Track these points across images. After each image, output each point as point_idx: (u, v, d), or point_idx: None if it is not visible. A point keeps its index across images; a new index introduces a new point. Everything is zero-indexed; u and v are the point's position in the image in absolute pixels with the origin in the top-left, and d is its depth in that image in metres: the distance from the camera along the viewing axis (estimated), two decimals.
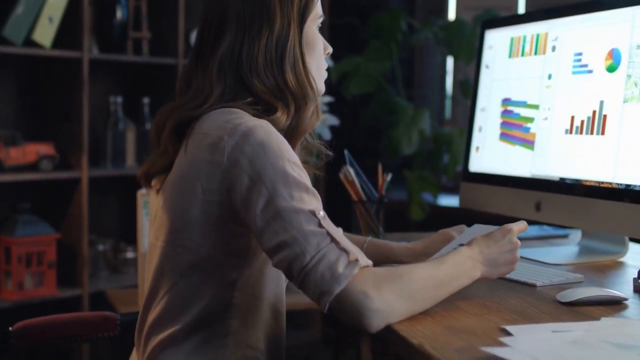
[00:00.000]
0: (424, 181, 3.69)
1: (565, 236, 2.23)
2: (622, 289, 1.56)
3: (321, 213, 1.29)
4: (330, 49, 1.54)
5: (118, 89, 3.55)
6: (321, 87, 1.52)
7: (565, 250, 1.97)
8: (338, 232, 1.30)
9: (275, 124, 1.38)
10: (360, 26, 4.18)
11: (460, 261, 1.37)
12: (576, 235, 2.15)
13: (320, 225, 1.27)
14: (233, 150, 1.32)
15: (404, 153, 3.60)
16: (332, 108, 3.95)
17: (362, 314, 1.24)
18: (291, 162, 1.31)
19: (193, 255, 1.38)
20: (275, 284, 1.47)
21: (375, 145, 4.13)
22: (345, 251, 1.27)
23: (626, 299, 1.43)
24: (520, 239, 2.15)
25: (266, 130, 1.33)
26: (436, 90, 4.13)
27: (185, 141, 1.39)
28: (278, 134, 1.35)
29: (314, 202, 1.30)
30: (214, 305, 1.39)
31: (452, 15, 4.12)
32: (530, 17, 2.04)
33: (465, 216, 2.46)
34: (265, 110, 1.41)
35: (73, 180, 3.17)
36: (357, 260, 1.27)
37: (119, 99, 3.38)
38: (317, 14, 1.48)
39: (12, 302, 3.01)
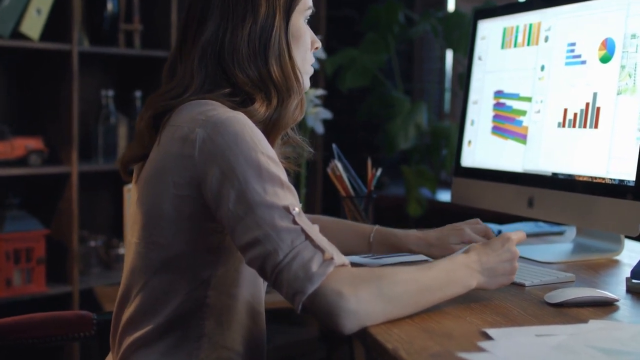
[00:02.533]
0: (422, 176, 3.62)
1: (560, 233, 2.17)
2: (615, 289, 1.50)
3: (296, 209, 1.24)
4: (318, 44, 1.48)
5: (110, 82, 3.49)
6: (306, 83, 1.46)
7: (558, 248, 1.90)
8: (314, 229, 1.25)
9: (251, 115, 1.33)
10: (358, 18, 4.12)
11: (454, 268, 1.31)
12: (572, 232, 2.09)
13: (294, 222, 1.22)
14: (204, 142, 1.27)
15: (400, 147, 3.53)
16: (328, 101, 3.89)
17: (336, 315, 1.18)
18: (265, 155, 1.26)
19: (165, 253, 1.34)
20: (252, 283, 1.41)
21: (373, 139, 4.07)
22: (320, 249, 1.21)
23: (617, 300, 1.37)
24: None
25: (240, 122, 1.28)
26: (435, 83, 4.06)
27: (159, 133, 1.35)
28: (253, 126, 1.30)
29: (289, 198, 1.25)
30: (187, 304, 1.35)
31: (451, 7, 4.04)
32: (523, 6, 1.97)
33: (463, 212, 2.38)
34: (243, 102, 1.36)
35: (63, 175, 3.12)
36: (332, 258, 1.21)
37: (111, 93, 3.32)
38: (305, 4, 1.43)
39: (0, 299, 2.96)
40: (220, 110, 1.30)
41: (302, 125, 2.81)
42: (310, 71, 1.48)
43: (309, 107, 2.78)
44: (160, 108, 1.36)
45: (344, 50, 3.65)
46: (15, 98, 3.25)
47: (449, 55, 4.00)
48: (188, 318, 1.35)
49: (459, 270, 1.31)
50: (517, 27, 1.96)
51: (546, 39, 1.86)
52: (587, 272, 1.65)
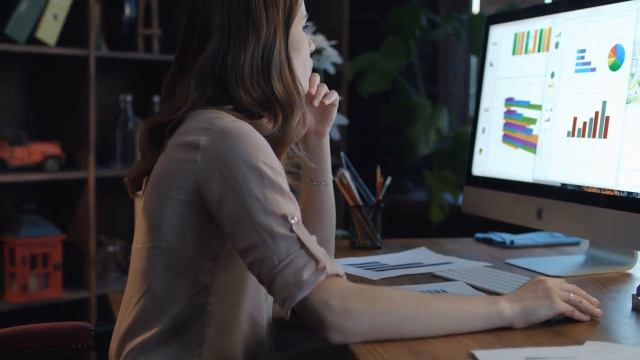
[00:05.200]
0: (443, 181, 3.57)
1: (576, 244, 2.11)
2: (622, 306, 1.44)
3: (295, 218, 1.25)
4: (313, 46, 1.51)
5: (128, 87, 3.48)
6: (305, 85, 1.49)
7: (570, 261, 1.84)
8: (311, 239, 1.25)
9: (259, 128, 1.34)
10: (382, 21, 4.07)
11: (476, 300, 1.27)
12: (587, 242, 2.03)
13: (291, 230, 1.23)
14: (208, 148, 1.28)
15: (420, 153, 3.48)
16: (351, 106, 3.85)
17: (321, 325, 1.19)
18: (267, 164, 1.27)
19: (167, 257, 1.34)
20: (253, 293, 1.41)
21: (395, 144, 4.02)
22: (314, 258, 1.21)
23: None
24: (528, 246, 2.06)
25: (245, 131, 1.29)
26: (459, 87, 4.00)
27: (164, 142, 1.36)
28: (258, 135, 1.31)
29: (289, 206, 1.26)
30: (188, 311, 1.35)
31: (476, 9, 3.98)
32: (534, 11, 1.91)
33: (485, 218, 2.33)
34: (248, 116, 1.36)
35: (80, 180, 3.11)
36: (325, 268, 1.20)
37: (129, 97, 3.31)
38: (302, 14, 1.45)
39: (16, 305, 2.96)
40: (227, 119, 1.31)
41: None
42: (309, 74, 1.51)
43: None
44: (157, 122, 1.38)
45: (364, 54, 3.61)
46: (33, 103, 3.25)
47: (474, 58, 3.93)
48: (189, 325, 1.35)
49: (479, 304, 1.25)
50: (528, 33, 1.91)
51: (556, 45, 1.80)
52: (595, 287, 1.59)
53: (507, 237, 2.10)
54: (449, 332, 1.22)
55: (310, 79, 1.52)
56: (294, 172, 1.50)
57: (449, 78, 4.12)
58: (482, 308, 1.24)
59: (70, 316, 3.09)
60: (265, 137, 1.34)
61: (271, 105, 1.37)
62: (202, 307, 1.35)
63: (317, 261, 1.21)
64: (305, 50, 1.46)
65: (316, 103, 1.53)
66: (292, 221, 1.23)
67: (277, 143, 1.38)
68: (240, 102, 1.36)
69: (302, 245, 1.22)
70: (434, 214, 3.56)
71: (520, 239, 2.10)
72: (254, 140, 1.28)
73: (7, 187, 3.12)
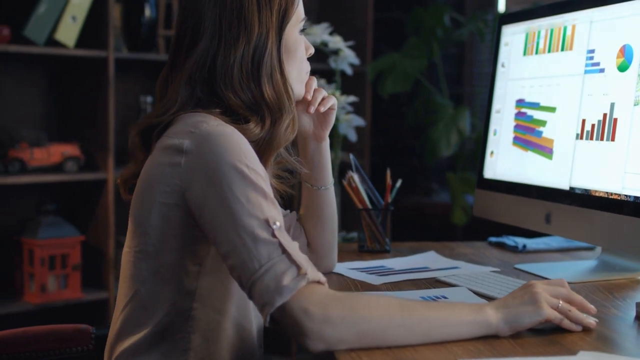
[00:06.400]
0: (466, 183, 3.52)
1: (590, 249, 2.05)
2: (625, 314, 1.40)
3: (277, 223, 1.23)
4: (312, 50, 1.48)
5: (149, 88, 3.48)
6: (300, 90, 1.47)
7: (580, 266, 1.80)
8: (293, 245, 1.23)
9: (245, 133, 1.32)
10: (406, 21, 4.04)
11: (460, 307, 1.23)
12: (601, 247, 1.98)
13: (273, 235, 1.21)
14: (192, 151, 1.27)
15: (442, 154, 3.44)
16: (375, 106, 3.82)
17: (300, 332, 1.17)
18: (251, 168, 1.25)
19: (153, 261, 1.33)
20: (239, 299, 1.39)
21: (419, 145, 3.99)
22: (296, 264, 1.19)
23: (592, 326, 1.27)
24: (542, 251, 2.02)
25: (229, 134, 1.27)
26: (484, 88, 3.95)
27: (152, 145, 1.36)
28: (243, 139, 1.29)
29: (272, 211, 1.24)
30: (172, 316, 1.33)
31: (502, 8, 3.93)
32: (545, 11, 1.87)
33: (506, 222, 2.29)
34: (235, 120, 1.35)
35: (99, 181, 3.12)
36: (306, 274, 1.18)
37: (149, 99, 3.32)
38: (298, 17, 1.42)
39: (35, 305, 2.97)
40: (212, 123, 1.29)
41: (334, 133, 2.74)
42: (306, 78, 1.48)
43: (341, 114, 2.71)
44: (147, 124, 1.37)
45: (385, 54, 3.58)
46: (52, 105, 3.26)
47: None
48: (174, 331, 1.34)
49: (464, 311, 1.22)
50: (539, 33, 1.86)
51: (567, 46, 1.76)
52: (601, 293, 1.54)
53: (520, 241, 2.06)
54: (434, 339, 1.19)
55: (307, 84, 1.49)
56: (285, 177, 1.48)
57: (474, 78, 4.07)
58: (467, 315, 1.21)
59: (89, 317, 3.10)
60: (252, 141, 1.32)
61: (260, 108, 1.35)
62: (187, 313, 1.33)
63: (298, 267, 1.19)
64: (301, 54, 1.44)
65: (311, 110, 1.51)
66: (274, 226, 1.22)
67: (265, 147, 1.36)
68: (229, 104, 1.34)
69: (284, 251, 1.20)
70: (456, 216, 3.52)
71: (533, 243, 2.06)
72: (237, 144, 1.26)
73: (27, 188, 3.14)
